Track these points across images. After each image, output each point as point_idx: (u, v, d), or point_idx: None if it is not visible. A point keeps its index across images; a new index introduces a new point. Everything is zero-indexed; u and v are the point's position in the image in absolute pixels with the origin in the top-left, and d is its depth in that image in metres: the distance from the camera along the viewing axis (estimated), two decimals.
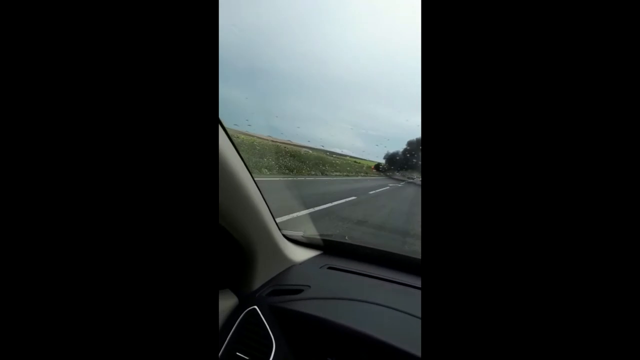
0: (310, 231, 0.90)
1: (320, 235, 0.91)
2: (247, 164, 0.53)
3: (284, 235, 0.76)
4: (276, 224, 0.68)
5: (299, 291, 0.65)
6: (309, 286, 0.66)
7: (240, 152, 0.51)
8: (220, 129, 0.42)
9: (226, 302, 0.64)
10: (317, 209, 3.51)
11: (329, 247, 0.89)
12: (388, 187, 9.45)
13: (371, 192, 6.90)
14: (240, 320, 0.61)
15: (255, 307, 0.61)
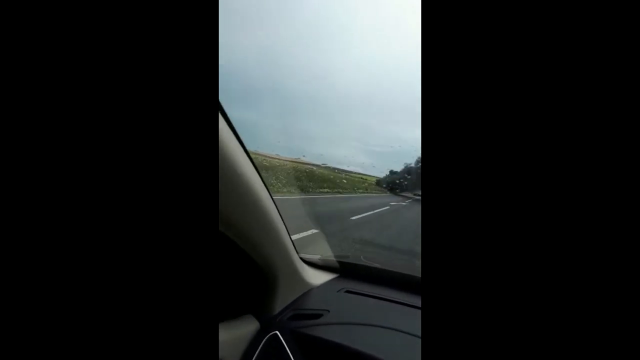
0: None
1: (337, 257, 1.03)
2: (266, 184, 0.59)
3: (301, 258, 0.86)
4: (294, 246, 0.78)
5: (319, 316, 0.75)
6: (328, 310, 0.76)
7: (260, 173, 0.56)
8: (241, 148, 0.48)
9: (248, 327, 0.72)
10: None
11: (345, 270, 1.00)
12: (387, 208, 8.08)
13: (355, 218, 5.37)
14: (263, 345, 0.69)
15: (277, 332, 0.70)
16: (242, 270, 0.70)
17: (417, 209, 8.75)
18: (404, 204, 10.69)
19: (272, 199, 0.63)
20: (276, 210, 0.65)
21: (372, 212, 6.61)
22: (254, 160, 0.54)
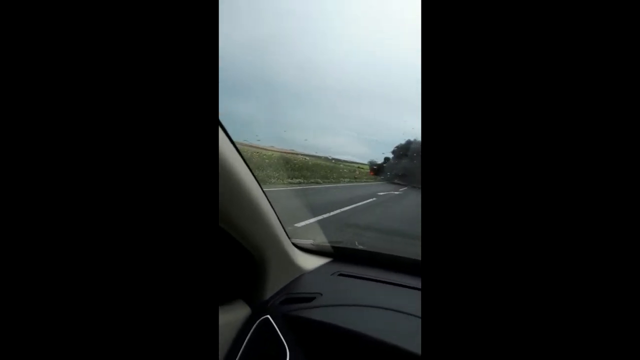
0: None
1: (330, 242, 1.09)
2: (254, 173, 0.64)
3: (294, 244, 0.91)
4: (285, 232, 0.83)
5: (311, 299, 0.80)
6: (321, 294, 0.82)
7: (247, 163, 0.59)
8: (225, 137, 0.53)
9: (239, 313, 0.77)
10: None
11: (339, 254, 1.06)
12: (372, 200, 7.17)
13: (302, 224, 3.63)
14: (254, 330, 0.74)
15: (268, 316, 0.75)
16: (232, 255, 0.74)
17: (412, 200, 8.16)
18: (396, 193, 9.90)
19: (261, 187, 0.67)
20: (264, 197, 0.70)
21: (353, 206, 5.81)
22: (242, 152, 0.59)
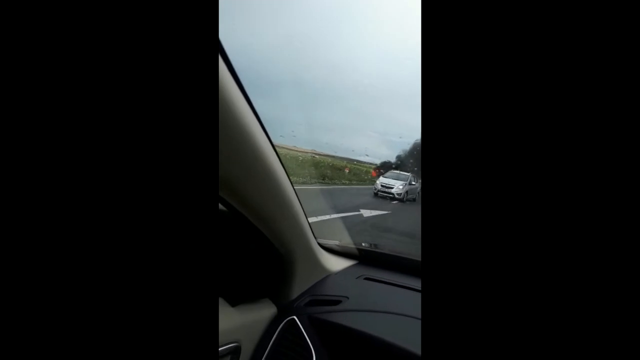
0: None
1: (355, 244, 1.08)
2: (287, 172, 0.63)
3: (319, 244, 0.90)
4: (312, 232, 0.83)
5: (337, 302, 0.80)
6: (347, 297, 0.81)
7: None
8: (264, 134, 0.53)
9: (266, 312, 0.76)
10: None
11: (364, 257, 1.06)
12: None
13: None
14: (280, 330, 0.74)
15: (295, 317, 0.75)
16: (261, 254, 0.74)
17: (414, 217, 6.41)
18: (393, 204, 7.74)
19: (292, 185, 0.67)
20: (296, 196, 0.69)
21: None
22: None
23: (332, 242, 1.03)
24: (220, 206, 0.61)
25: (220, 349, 0.64)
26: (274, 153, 0.57)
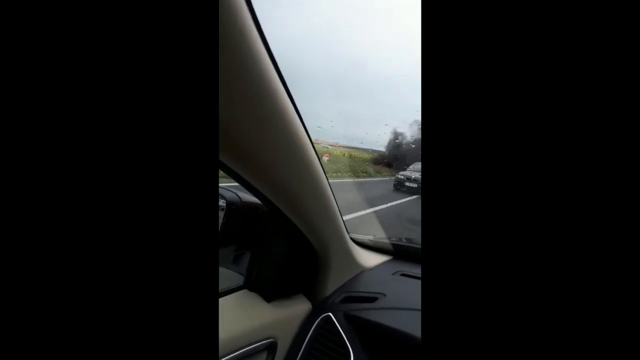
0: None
1: (389, 238, 1.06)
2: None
3: (352, 239, 0.88)
4: (345, 227, 0.80)
5: (374, 299, 0.77)
6: (384, 294, 0.79)
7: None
8: (304, 131, 0.53)
9: (300, 308, 0.76)
10: None
11: (398, 252, 1.03)
12: None
13: None
14: (316, 326, 0.73)
15: (330, 314, 0.74)
16: (297, 249, 0.73)
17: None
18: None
19: (328, 181, 0.66)
20: (330, 191, 0.68)
21: None
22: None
23: (365, 237, 1.01)
24: (257, 201, 0.61)
25: (257, 344, 0.64)
26: (312, 147, 0.57)
